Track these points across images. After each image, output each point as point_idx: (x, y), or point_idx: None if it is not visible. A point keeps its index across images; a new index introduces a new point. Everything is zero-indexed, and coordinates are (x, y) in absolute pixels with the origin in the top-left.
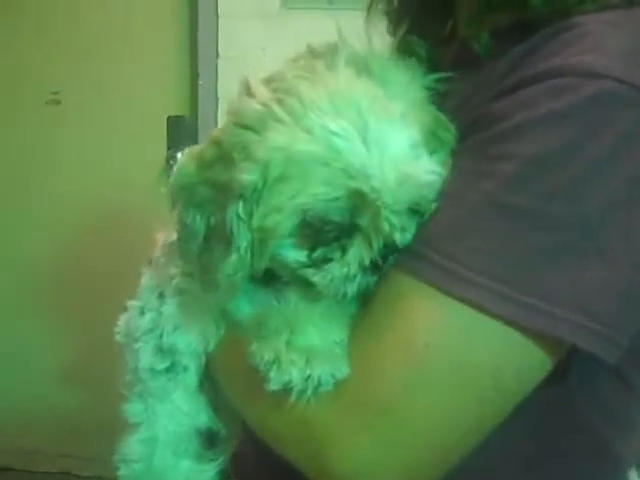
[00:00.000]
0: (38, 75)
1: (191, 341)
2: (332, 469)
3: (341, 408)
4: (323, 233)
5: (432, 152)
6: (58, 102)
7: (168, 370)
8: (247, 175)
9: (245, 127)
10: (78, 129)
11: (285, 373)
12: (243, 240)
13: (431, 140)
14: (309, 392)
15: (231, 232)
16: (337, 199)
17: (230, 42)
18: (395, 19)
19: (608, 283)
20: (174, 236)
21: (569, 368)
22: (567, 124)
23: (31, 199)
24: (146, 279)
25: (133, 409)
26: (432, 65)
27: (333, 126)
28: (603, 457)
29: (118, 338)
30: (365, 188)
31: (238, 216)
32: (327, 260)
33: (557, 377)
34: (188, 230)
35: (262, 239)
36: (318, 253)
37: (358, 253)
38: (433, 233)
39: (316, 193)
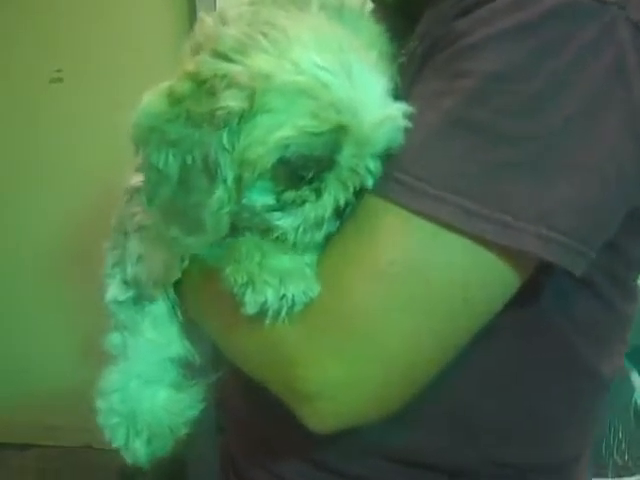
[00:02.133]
0: (41, 53)
1: (153, 270)
2: (299, 388)
3: (309, 328)
4: (297, 174)
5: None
6: (61, 80)
7: (135, 302)
8: (233, 102)
9: (225, 57)
10: (82, 107)
11: (260, 294)
12: (229, 172)
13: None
14: (284, 312)
15: (216, 165)
16: (322, 134)
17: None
18: None
19: (572, 196)
20: (136, 178)
21: (542, 288)
22: (526, 39)
23: (36, 177)
24: (113, 219)
25: (111, 341)
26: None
27: (319, 60)
28: (581, 373)
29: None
30: (351, 123)
31: (223, 147)
32: (299, 203)
33: (531, 297)
34: (159, 174)
35: (242, 173)
36: (288, 196)
37: (334, 194)
38: (399, 155)
39: (301, 125)
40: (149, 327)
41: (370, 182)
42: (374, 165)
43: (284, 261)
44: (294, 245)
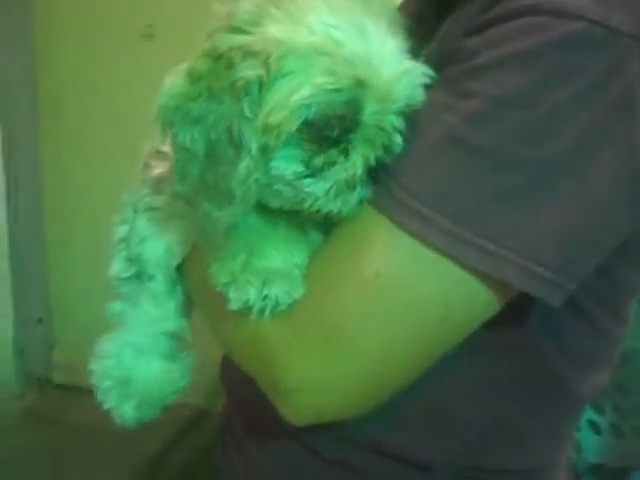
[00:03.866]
0: (132, 8)
1: (157, 251)
2: (279, 385)
3: (292, 327)
4: (324, 135)
5: None
6: (152, 36)
7: (136, 277)
8: (250, 71)
9: (239, 30)
10: (172, 64)
11: (243, 293)
12: (253, 141)
13: None
14: (267, 311)
15: (240, 135)
16: (340, 90)
17: None
18: None
19: (561, 229)
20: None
21: (528, 311)
22: (534, 65)
23: (125, 134)
24: (125, 195)
25: (112, 309)
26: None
27: (332, 20)
28: (561, 393)
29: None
30: (369, 77)
31: (245, 117)
32: (329, 166)
33: (517, 319)
34: (187, 153)
35: (267, 141)
36: (317, 160)
37: (362, 152)
38: (396, 164)
39: (319, 83)
40: (148, 302)
41: (398, 139)
42: (398, 122)
43: (271, 260)
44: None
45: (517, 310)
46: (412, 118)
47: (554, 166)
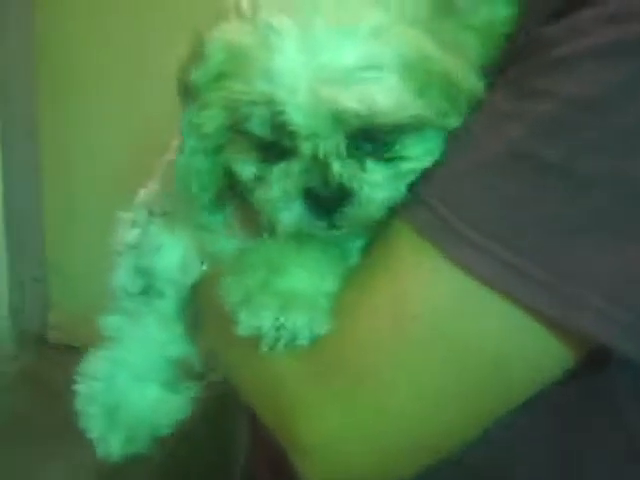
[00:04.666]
0: None
1: (170, 266)
2: (298, 439)
3: (314, 370)
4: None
5: (418, 91)
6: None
7: (143, 292)
8: (193, 74)
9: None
10: (181, 16)
11: (255, 317)
12: (189, 140)
13: (415, 76)
14: (281, 344)
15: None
16: (254, 103)
17: None
18: None
19: None
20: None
21: (610, 357)
22: (629, 60)
23: (137, 89)
24: (141, 193)
25: (108, 322)
26: None
27: (275, 21)
28: (634, 446)
29: (114, 248)
30: (279, 94)
31: (189, 118)
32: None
33: (596, 365)
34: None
35: (204, 138)
36: (263, 167)
37: (293, 174)
38: (442, 178)
39: (235, 90)
40: (153, 322)
41: (344, 174)
42: (336, 148)
43: (298, 283)
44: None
45: (595, 358)
46: (465, 125)
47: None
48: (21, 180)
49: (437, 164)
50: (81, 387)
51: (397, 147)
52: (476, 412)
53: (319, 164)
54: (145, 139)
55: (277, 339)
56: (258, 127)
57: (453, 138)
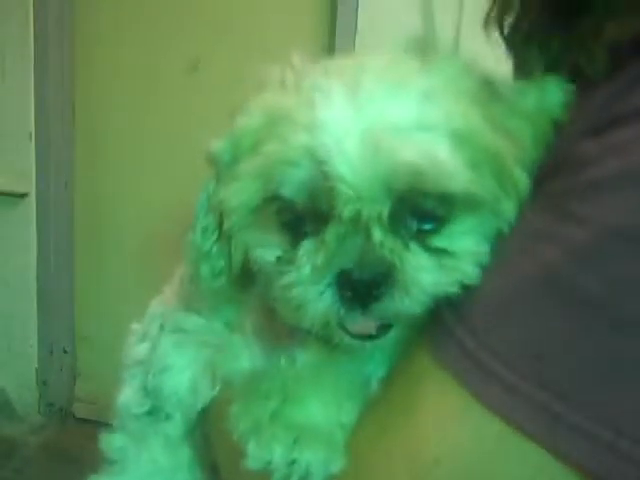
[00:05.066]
0: (178, 43)
1: (178, 388)
2: None
3: None
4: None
5: (467, 162)
6: (197, 69)
7: (149, 414)
8: (219, 146)
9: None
10: (217, 96)
11: (265, 450)
12: (204, 219)
13: (465, 145)
14: None
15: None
16: (292, 163)
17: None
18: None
19: None
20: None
21: None
22: None
23: (173, 165)
24: (154, 303)
25: (110, 443)
26: None
27: (321, 81)
28: None
29: (123, 362)
30: (324, 145)
31: (208, 195)
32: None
33: None
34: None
35: (224, 216)
36: (288, 250)
37: (327, 248)
38: (472, 305)
39: (270, 152)
40: (158, 447)
41: (387, 246)
42: (378, 214)
43: (311, 413)
44: None
45: None
46: (496, 244)
47: None
48: (53, 253)
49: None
50: None
51: (445, 233)
52: None
53: (358, 231)
54: (176, 213)
55: (288, 476)
56: (293, 191)
57: (491, 258)
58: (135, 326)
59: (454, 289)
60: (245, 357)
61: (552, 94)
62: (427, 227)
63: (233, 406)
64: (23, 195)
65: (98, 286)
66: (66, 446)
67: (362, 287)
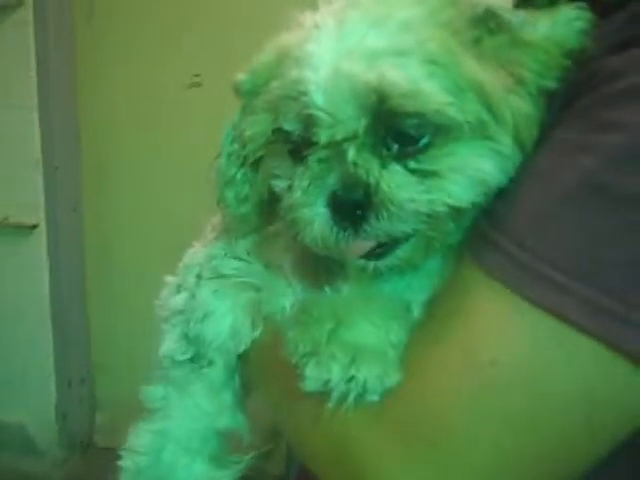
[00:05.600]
0: (180, 58)
1: (220, 333)
2: None
3: (386, 429)
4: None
5: (446, 89)
6: (200, 84)
7: (191, 361)
8: (242, 79)
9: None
10: (221, 111)
11: (324, 369)
12: (229, 147)
13: (442, 73)
14: (351, 398)
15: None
16: (289, 97)
17: None
18: None
19: None
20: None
21: None
22: None
23: (175, 182)
24: (188, 255)
25: (151, 393)
26: None
27: (320, 18)
28: None
29: (158, 312)
30: (305, 76)
31: (234, 124)
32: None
33: None
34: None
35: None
36: (293, 174)
37: (312, 170)
38: (514, 217)
39: (274, 87)
40: (201, 392)
41: (371, 167)
42: (360, 135)
43: (364, 335)
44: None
45: None
46: (532, 159)
47: None
48: (65, 282)
49: (503, 200)
50: (126, 462)
51: (428, 154)
52: (561, 465)
53: (336, 154)
54: (186, 233)
55: (346, 393)
56: (291, 122)
57: (520, 173)
58: (169, 278)
59: (441, 208)
60: (287, 295)
61: (565, 24)
62: (410, 149)
63: (290, 332)
64: (33, 226)
65: (111, 313)
66: (89, 478)
67: (348, 208)
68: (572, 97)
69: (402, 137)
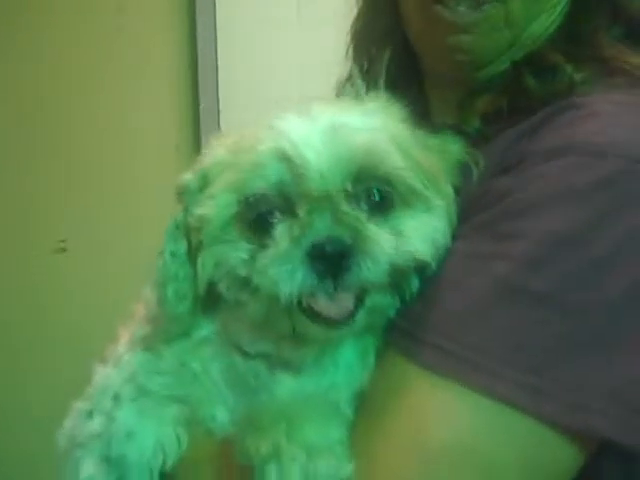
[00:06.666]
0: (45, 223)
1: (145, 451)
2: None
3: None
4: (262, 217)
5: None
6: (65, 250)
7: None
8: (187, 178)
9: None
10: (84, 278)
11: (286, 470)
12: (172, 245)
13: (397, 145)
14: None
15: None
16: (260, 166)
17: None
18: None
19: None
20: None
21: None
22: (586, 202)
23: (38, 346)
24: (101, 377)
25: None
26: None
27: (273, 121)
28: None
29: (60, 444)
30: (287, 145)
31: (176, 223)
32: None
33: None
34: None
35: (196, 234)
36: (256, 248)
37: (288, 228)
38: (441, 320)
39: (242, 163)
40: None
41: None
42: (342, 187)
43: (313, 433)
44: None
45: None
46: (437, 271)
47: (619, 306)
48: None
49: (422, 304)
50: None
51: (391, 215)
52: None
53: (327, 206)
54: None
55: None
56: (266, 187)
57: (435, 284)
58: (79, 404)
59: (410, 263)
60: (218, 403)
61: (450, 142)
62: (376, 209)
63: (246, 439)
64: None
65: None
66: None
67: (333, 258)
68: (467, 214)
69: (371, 197)
